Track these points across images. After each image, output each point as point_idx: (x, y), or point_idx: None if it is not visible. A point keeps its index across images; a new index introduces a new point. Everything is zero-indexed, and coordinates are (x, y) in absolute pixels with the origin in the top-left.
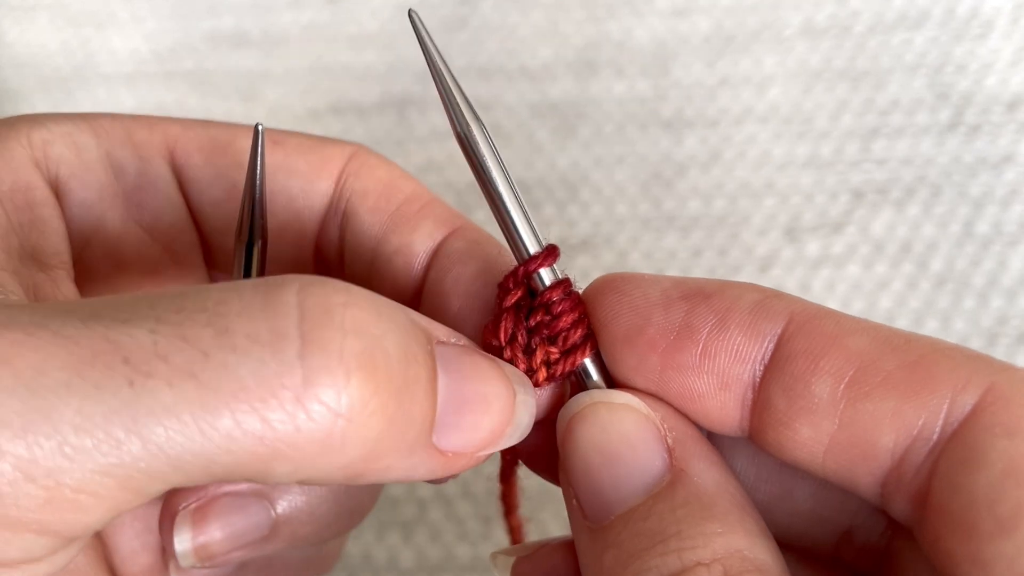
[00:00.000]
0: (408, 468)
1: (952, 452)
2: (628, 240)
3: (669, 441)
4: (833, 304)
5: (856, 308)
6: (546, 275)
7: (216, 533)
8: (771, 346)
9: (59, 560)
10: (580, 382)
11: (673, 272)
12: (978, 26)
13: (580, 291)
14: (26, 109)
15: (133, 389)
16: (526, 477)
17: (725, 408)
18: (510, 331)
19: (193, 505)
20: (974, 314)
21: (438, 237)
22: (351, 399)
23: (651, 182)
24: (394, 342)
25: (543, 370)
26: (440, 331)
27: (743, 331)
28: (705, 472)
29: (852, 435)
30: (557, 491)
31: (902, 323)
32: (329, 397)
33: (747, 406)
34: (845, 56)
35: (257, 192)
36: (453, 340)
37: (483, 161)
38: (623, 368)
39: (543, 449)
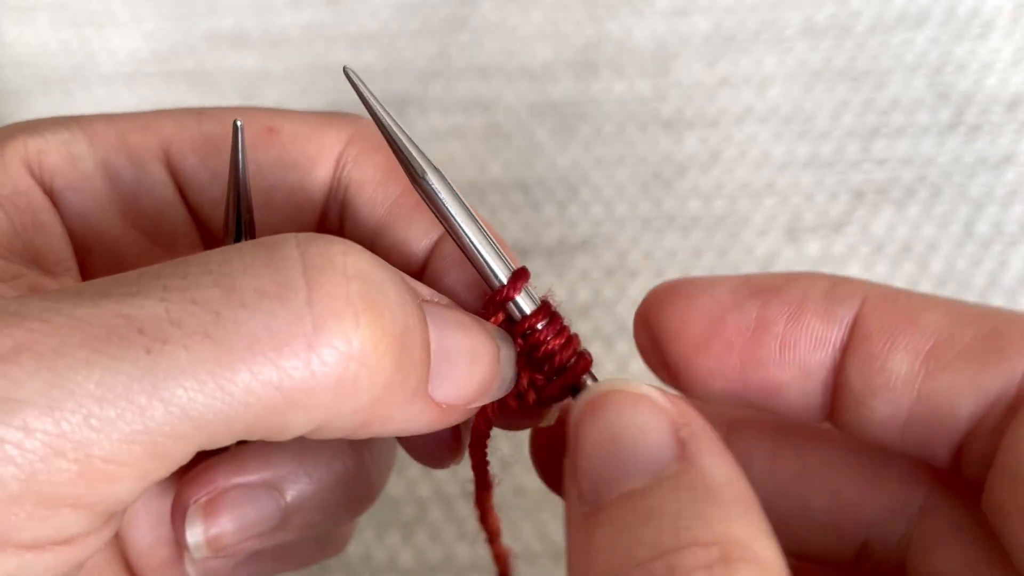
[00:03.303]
0: (408, 418)
1: (1020, 414)
2: (628, 240)
3: (683, 434)
4: None
5: None
6: (523, 302)
7: (227, 525)
8: (847, 328)
9: (92, 543)
10: (433, 205)
11: (673, 272)
12: (979, 26)
13: (558, 308)
14: (26, 109)
15: (151, 356)
16: (525, 473)
17: (808, 396)
18: None
19: (204, 498)
20: None
21: (435, 236)
22: (362, 341)
23: (651, 182)
24: (392, 290)
25: (531, 393)
26: (424, 290)
27: (819, 318)
28: (715, 466)
29: (931, 407)
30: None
31: None
32: (340, 340)
33: (828, 391)
34: (845, 56)
35: (241, 189)
36: (436, 299)
37: (443, 206)
38: (699, 372)
39: (550, 458)
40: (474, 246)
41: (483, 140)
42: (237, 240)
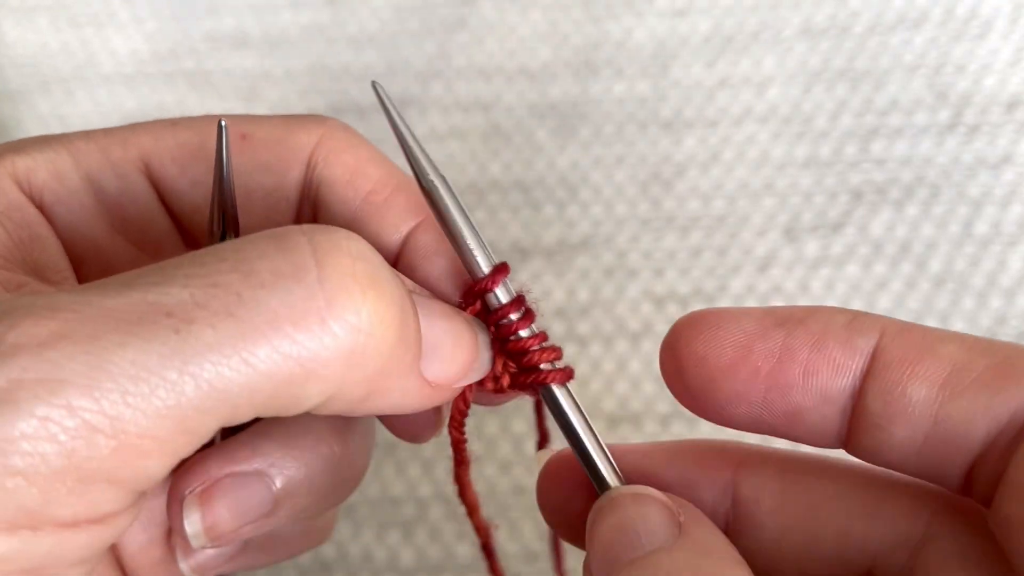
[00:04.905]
0: (403, 392)
1: None
2: (627, 240)
3: (681, 518)
4: (831, 304)
5: (855, 308)
6: (501, 294)
7: (223, 512)
8: (867, 357)
9: (121, 522)
10: (553, 408)
11: (672, 272)
12: (977, 26)
13: (534, 303)
14: (26, 109)
15: (180, 336)
16: (525, 474)
17: (827, 420)
18: None
19: (199, 489)
20: (973, 314)
21: (404, 229)
22: (369, 313)
23: (650, 182)
24: (388, 271)
25: (506, 376)
26: (407, 282)
27: (841, 347)
28: (709, 536)
29: (946, 431)
30: None
31: None
32: (351, 314)
33: (846, 416)
34: (844, 56)
35: (226, 187)
36: (418, 291)
37: (446, 210)
38: (724, 397)
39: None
40: (464, 237)
41: (483, 140)
42: (223, 237)
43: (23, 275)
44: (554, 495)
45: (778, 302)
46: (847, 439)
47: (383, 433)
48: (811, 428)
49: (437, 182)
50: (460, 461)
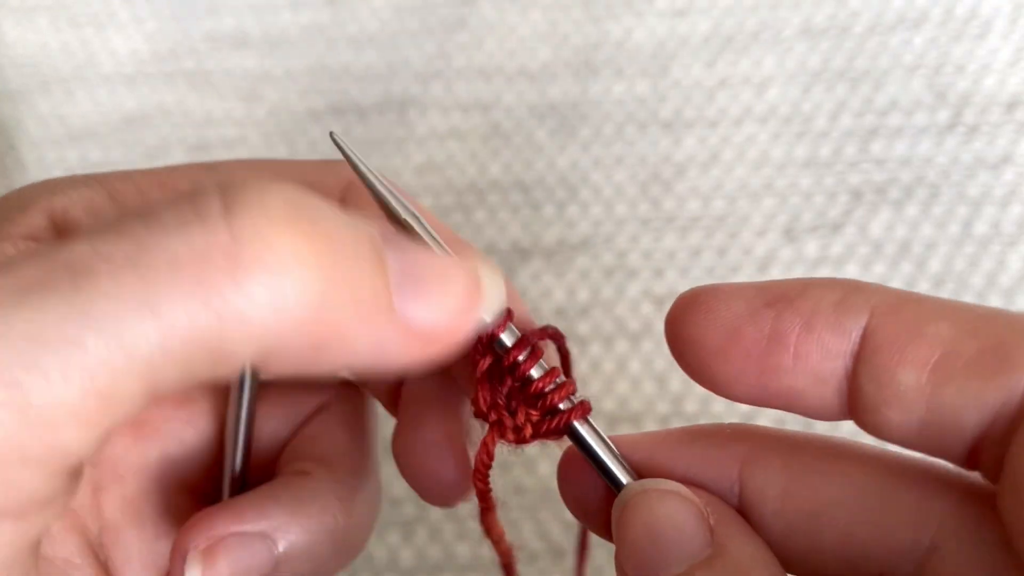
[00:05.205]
0: (377, 341)
1: (1021, 428)
2: (627, 240)
3: (711, 521)
4: None
5: None
6: (507, 339)
7: (224, 570)
8: (857, 339)
9: (48, 513)
10: (578, 444)
11: (672, 272)
12: (977, 26)
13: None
14: (26, 109)
15: (78, 288)
16: (525, 474)
17: (825, 400)
18: (488, 400)
19: (202, 545)
20: None
21: None
22: (280, 249)
23: (650, 182)
24: (320, 205)
25: (528, 427)
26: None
27: (830, 330)
28: (744, 547)
29: (939, 417)
30: (557, 491)
31: None
32: (258, 249)
33: (844, 395)
34: (844, 57)
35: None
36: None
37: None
38: (721, 378)
39: (599, 511)
40: None
41: (483, 140)
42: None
43: None
44: (576, 484)
45: None
46: (850, 414)
47: (384, 433)
48: (811, 406)
49: (411, 219)
50: (487, 508)
